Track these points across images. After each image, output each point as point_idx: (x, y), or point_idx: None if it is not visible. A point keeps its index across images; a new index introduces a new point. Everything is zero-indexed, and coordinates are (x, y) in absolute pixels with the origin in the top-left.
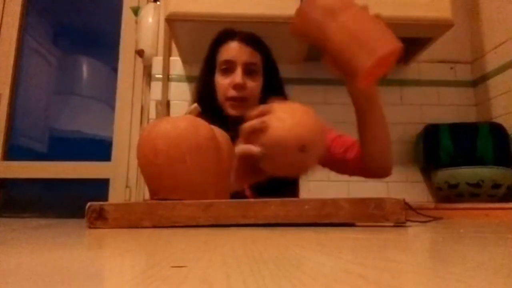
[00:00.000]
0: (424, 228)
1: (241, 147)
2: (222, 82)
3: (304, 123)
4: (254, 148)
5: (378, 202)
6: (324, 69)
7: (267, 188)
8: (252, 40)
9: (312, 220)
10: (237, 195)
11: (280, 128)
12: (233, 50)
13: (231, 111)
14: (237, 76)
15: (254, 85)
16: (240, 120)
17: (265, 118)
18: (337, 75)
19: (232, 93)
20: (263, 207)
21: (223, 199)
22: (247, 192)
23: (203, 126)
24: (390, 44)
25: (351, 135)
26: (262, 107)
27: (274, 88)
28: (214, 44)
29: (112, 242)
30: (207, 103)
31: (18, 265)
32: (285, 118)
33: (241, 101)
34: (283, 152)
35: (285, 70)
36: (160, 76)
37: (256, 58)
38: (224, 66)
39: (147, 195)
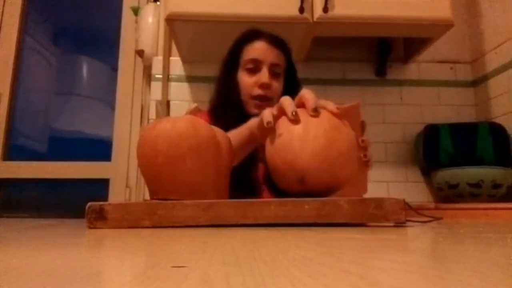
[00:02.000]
0: (424, 228)
1: (266, 110)
2: (248, 80)
3: (311, 155)
4: (266, 116)
5: (378, 202)
6: (324, 69)
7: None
8: (278, 42)
9: (312, 220)
10: (254, 195)
11: (289, 141)
12: (260, 49)
13: (255, 110)
14: (264, 75)
15: (277, 85)
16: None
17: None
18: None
19: (258, 91)
20: (263, 207)
21: (223, 199)
22: (265, 193)
23: (203, 126)
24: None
25: None
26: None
27: (293, 91)
28: (239, 42)
29: (112, 242)
30: (228, 101)
31: (18, 265)
32: (305, 136)
33: (266, 100)
34: (283, 169)
35: None
36: (160, 76)
37: (281, 60)
38: (250, 65)
39: (147, 195)
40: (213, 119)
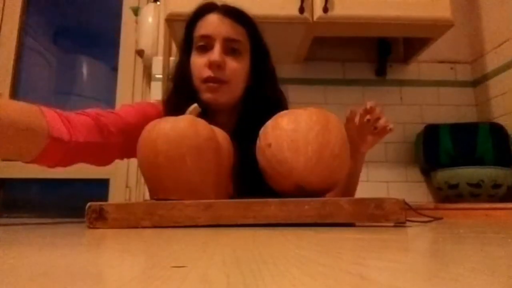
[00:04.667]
0: (424, 228)
1: None
2: (198, 61)
3: (305, 163)
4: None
5: (378, 202)
6: (324, 69)
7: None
8: (234, 13)
9: (312, 220)
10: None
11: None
12: (211, 23)
13: (207, 96)
14: (214, 53)
15: (236, 66)
16: (220, 108)
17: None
18: None
19: (207, 73)
20: (263, 207)
21: (223, 199)
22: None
23: (203, 126)
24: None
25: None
26: None
27: (262, 74)
28: (191, 19)
29: (112, 242)
30: (183, 89)
31: (18, 265)
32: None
33: (219, 83)
34: (279, 179)
35: (285, 70)
36: (160, 76)
37: (240, 34)
38: (200, 43)
39: (147, 195)
40: (165, 111)
